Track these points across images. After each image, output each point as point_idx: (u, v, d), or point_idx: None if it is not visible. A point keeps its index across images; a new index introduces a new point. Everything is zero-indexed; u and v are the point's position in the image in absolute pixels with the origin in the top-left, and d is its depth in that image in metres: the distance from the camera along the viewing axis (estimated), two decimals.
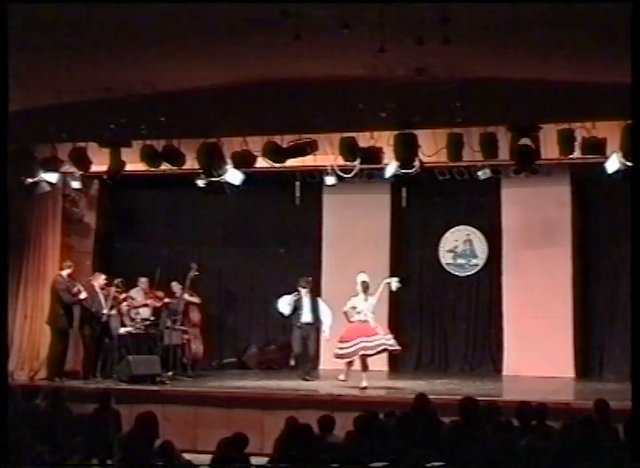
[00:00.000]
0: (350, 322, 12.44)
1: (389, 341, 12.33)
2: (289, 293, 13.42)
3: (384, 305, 14.86)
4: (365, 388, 12.06)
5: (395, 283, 13.04)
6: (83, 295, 13.17)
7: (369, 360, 12.52)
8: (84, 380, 13.00)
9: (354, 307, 12.45)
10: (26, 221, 13.86)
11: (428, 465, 6.29)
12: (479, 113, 10.98)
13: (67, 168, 13.20)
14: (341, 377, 12.52)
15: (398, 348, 12.49)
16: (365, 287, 12.51)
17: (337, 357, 12.52)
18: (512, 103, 10.81)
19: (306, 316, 13.28)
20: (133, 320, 13.68)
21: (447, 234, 15.06)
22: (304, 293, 13.39)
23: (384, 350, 12.39)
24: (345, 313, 12.56)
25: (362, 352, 12.23)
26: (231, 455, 6.43)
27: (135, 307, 13.81)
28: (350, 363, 12.56)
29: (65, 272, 13.34)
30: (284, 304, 13.36)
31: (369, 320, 12.32)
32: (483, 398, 9.02)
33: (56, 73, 10.48)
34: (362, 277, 12.63)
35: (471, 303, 15.05)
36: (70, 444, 7.70)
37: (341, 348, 12.40)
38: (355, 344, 12.25)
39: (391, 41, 8.28)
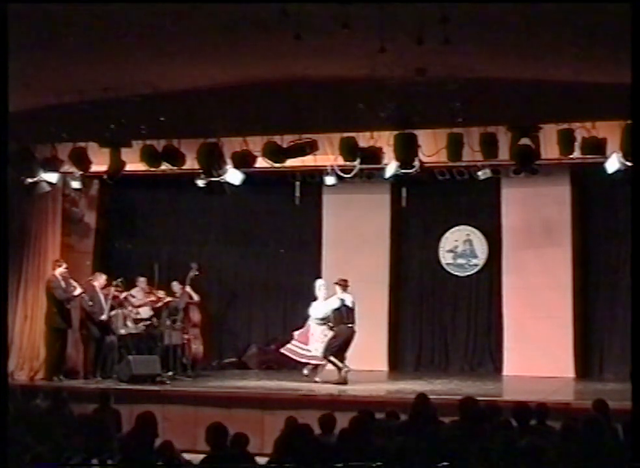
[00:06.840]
0: None
1: (308, 353, 12.78)
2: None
3: (383, 305, 14.91)
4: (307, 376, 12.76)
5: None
6: (77, 291, 13.17)
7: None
8: (84, 380, 13.02)
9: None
10: (26, 221, 13.85)
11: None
12: (479, 113, 10.99)
13: (67, 168, 13.19)
14: (305, 371, 12.92)
15: (310, 361, 12.80)
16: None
17: None
18: (512, 103, 10.82)
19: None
20: (133, 320, 13.67)
21: (447, 234, 15.05)
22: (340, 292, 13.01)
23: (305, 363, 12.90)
24: None
25: (286, 352, 12.98)
26: (232, 454, 6.43)
27: (135, 307, 13.81)
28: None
29: (58, 271, 13.31)
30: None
31: (310, 324, 12.87)
32: (483, 398, 9.03)
33: (56, 73, 10.49)
34: (317, 282, 13.18)
35: (471, 303, 15.05)
36: (70, 444, 7.68)
37: None
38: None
39: (391, 41, 8.28)
